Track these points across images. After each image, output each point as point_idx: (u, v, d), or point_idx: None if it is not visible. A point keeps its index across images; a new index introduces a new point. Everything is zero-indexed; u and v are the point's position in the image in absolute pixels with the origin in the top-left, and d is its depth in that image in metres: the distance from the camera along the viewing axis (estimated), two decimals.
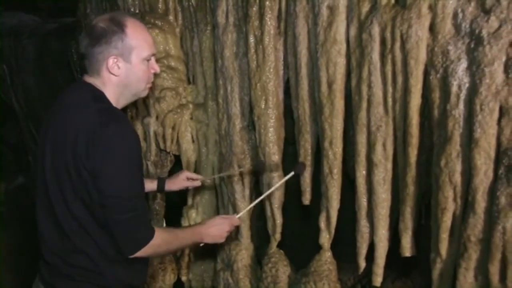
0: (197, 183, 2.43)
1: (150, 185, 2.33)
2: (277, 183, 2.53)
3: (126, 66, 1.73)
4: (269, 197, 2.66)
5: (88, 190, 1.66)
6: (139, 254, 1.72)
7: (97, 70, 1.74)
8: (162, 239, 1.76)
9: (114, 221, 1.67)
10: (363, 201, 2.35)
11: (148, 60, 1.78)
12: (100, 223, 1.71)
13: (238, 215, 2.17)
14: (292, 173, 2.31)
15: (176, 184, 2.38)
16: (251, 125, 2.72)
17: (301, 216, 3.19)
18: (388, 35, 2.09)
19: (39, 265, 1.85)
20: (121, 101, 1.81)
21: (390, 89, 2.14)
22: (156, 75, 1.89)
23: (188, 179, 2.39)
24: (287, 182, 2.64)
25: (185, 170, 2.55)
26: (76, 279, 1.75)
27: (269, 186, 2.60)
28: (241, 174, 2.76)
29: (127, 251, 1.72)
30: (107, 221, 1.69)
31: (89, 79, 1.77)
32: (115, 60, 1.71)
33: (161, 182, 2.34)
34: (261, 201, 2.71)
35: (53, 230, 1.75)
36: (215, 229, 1.99)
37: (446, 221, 2.06)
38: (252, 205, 2.42)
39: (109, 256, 1.75)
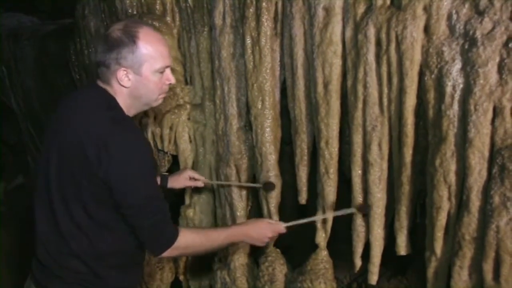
0: (199, 184, 2.44)
1: None
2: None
3: (136, 78, 1.71)
4: (265, 196, 2.67)
5: (96, 196, 1.67)
6: (167, 254, 1.75)
7: (108, 79, 1.73)
8: (187, 240, 1.77)
9: (140, 228, 1.70)
10: (359, 200, 2.37)
11: (161, 72, 1.74)
12: (101, 228, 1.72)
13: (286, 225, 2.10)
14: (353, 210, 2.34)
15: (178, 182, 2.39)
16: (248, 125, 2.72)
17: (297, 216, 3.20)
18: (383, 36, 2.10)
19: (31, 264, 1.85)
20: (132, 110, 1.79)
21: (385, 89, 2.15)
22: None
23: (190, 178, 2.40)
24: (283, 181, 2.67)
25: (188, 169, 2.55)
26: (67, 281, 1.75)
27: None
28: (238, 174, 2.77)
29: (155, 252, 1.74)
30: (132, 228, 1.71)
31: (102, 85, 1.75)
32: (125, 72, 1.69)
33: (164, 180, 2.35)
34: (258, 201, 2.74)
35: (51, 232, 1.75)
36: (258, 232, 1.98)
37: (441, 220, 2.08)
38: (304, 220, 2.27)
39: (105, 260, 1.76)
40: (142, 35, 1.68)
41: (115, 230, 1.75)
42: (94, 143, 1.62)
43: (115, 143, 1.61)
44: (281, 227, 2.06)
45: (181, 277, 3.20)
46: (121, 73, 1.69)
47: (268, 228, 2.00)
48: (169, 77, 1.79)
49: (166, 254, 1.74)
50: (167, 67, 1.77)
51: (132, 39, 1.67)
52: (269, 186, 2.61)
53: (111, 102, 1.73)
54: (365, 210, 2.33)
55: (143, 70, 1.70)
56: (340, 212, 2.37)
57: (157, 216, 1.70)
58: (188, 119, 2.97)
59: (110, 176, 1.61)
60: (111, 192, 1.64)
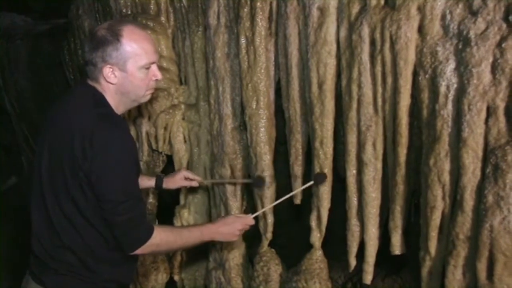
0: (194, 184, 2.46)
1: (148, 182, 2.38)
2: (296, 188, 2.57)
3: (122, 75, 1.76)
4: (260, 196, 2.67)
5: (83, 190, 1.71)
6: (139, 251, 1.78)
7: (96, 77, 1.78)
8: (161, 238, 1.80)
9: (114, 222, 1.73)
10: (353, 200, 2.37)
11: (147, 68, 1.80)
12: (90, 222, 1.76)
13: (253, 215, 2.19)
14: (311, 182, 2.40)
15: (174, 183, 2.42)
16: (243, 125, 2.72)
17: (292, 216, 3.21)
18: (377, 36, 2.11)
19: (29, 258, 1.89)
20: (121, 107, 1.85)
21: (379, 89, 2.16)
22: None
23: (185, 178, 2.42)
24: (278, 182, 2.67)
25: (183, 169, 2.60)
26: (61, 273, 1.80)
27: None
28: (232, 173, 2.77)
29: (127, 249, 1.77)
30: (107, 222, 1.74)
31: (91, 83, 1.81)
32: (111, 69, 1.75)
33: (159, 180, 2.37)
34: (254, 201, 2.74)
35: (44, 225, 1.80)
36: (228, 228, 2.03)
37: (435, 219, 2.08)
38: (267, 207, 2.51)
39: (96, 254, 1.80)
40: (126, 33, 1.74)
41: (103, 225, 1.77)
42: (80, 138, 1.66)
43: (100, 139, 1.66)
44: (250, 218, 2.13)
45: (176, 278, 3.20)
46: (107, 70, 1.75)
47: (238, 221, 2.06)
48: (156, 73, 1.85)
49: (139, 251, 1.78)
50: (152, 63, 1.82)
51: (116, 37, 1.72)
52: (259, 181, 2.62)
53: (99, 99, 1.78)
54: (322, 179, 2.43)
55: (128, 67, 1.76)
56: (298, 190, 2.49)
57: (134, 212, 1.73)
58: (183, 119, 2.97)
59: (92, 170, 1.66)
60: (92, 186, 1.69)
